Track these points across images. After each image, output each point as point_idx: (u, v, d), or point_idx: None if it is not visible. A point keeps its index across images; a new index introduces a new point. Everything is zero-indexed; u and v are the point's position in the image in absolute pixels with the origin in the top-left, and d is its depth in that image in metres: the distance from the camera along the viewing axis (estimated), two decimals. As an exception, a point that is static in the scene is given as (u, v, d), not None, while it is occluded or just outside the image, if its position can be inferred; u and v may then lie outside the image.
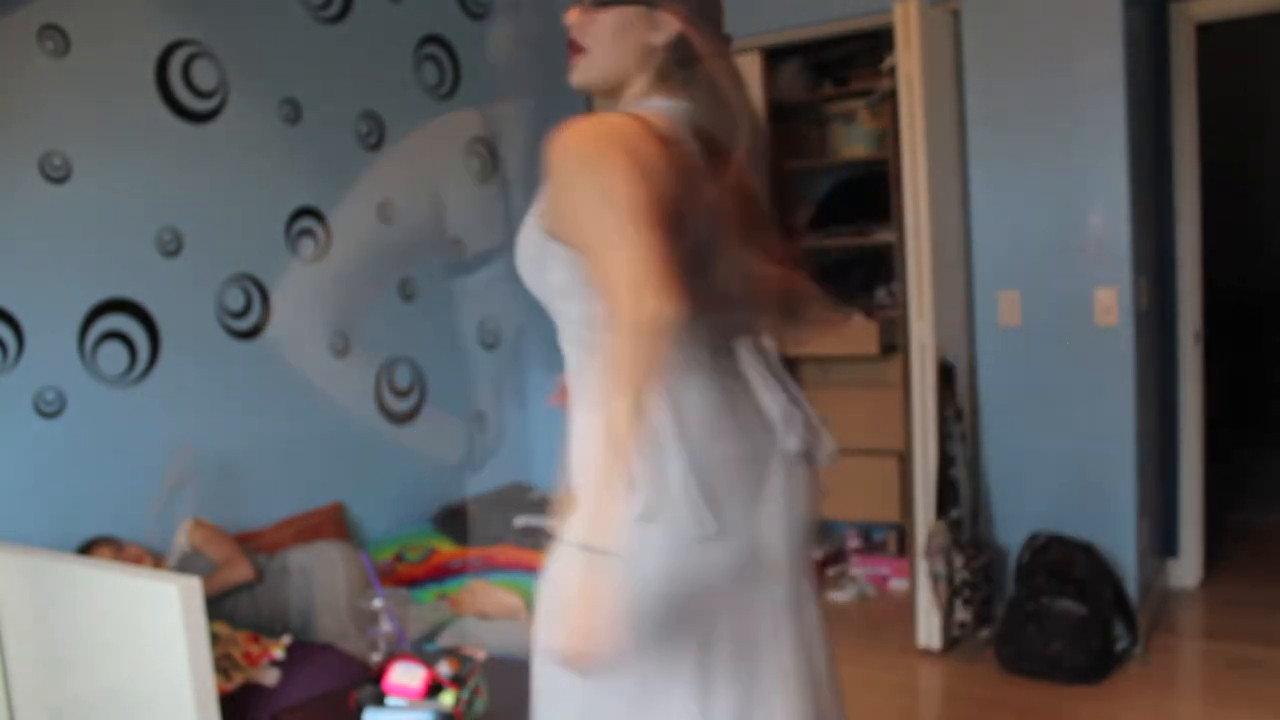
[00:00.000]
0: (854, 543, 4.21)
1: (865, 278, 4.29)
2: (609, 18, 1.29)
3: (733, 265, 1.25)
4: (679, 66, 1.30)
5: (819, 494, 1.38)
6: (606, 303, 1.10)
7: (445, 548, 3.40)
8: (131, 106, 2.94)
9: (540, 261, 1.25)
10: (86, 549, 2.68)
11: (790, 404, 1.33)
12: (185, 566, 2.70)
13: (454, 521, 3.55)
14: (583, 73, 1.32)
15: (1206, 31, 3.75)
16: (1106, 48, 3.18)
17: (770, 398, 1.31)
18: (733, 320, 1.32)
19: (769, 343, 1.38)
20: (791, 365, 4.14)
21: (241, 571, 2.76)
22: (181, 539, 2.81)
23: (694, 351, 1.26)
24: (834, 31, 3.73)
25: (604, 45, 1.30)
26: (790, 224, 1.40)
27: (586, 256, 1.15)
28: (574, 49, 1.31)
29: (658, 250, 1.08)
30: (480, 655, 2.57)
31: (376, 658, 2.56)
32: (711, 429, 1.24)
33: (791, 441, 1.30)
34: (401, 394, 3.77)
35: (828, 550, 4.25)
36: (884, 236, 4.05)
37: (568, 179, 1.17)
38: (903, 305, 3.43)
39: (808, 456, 1.34)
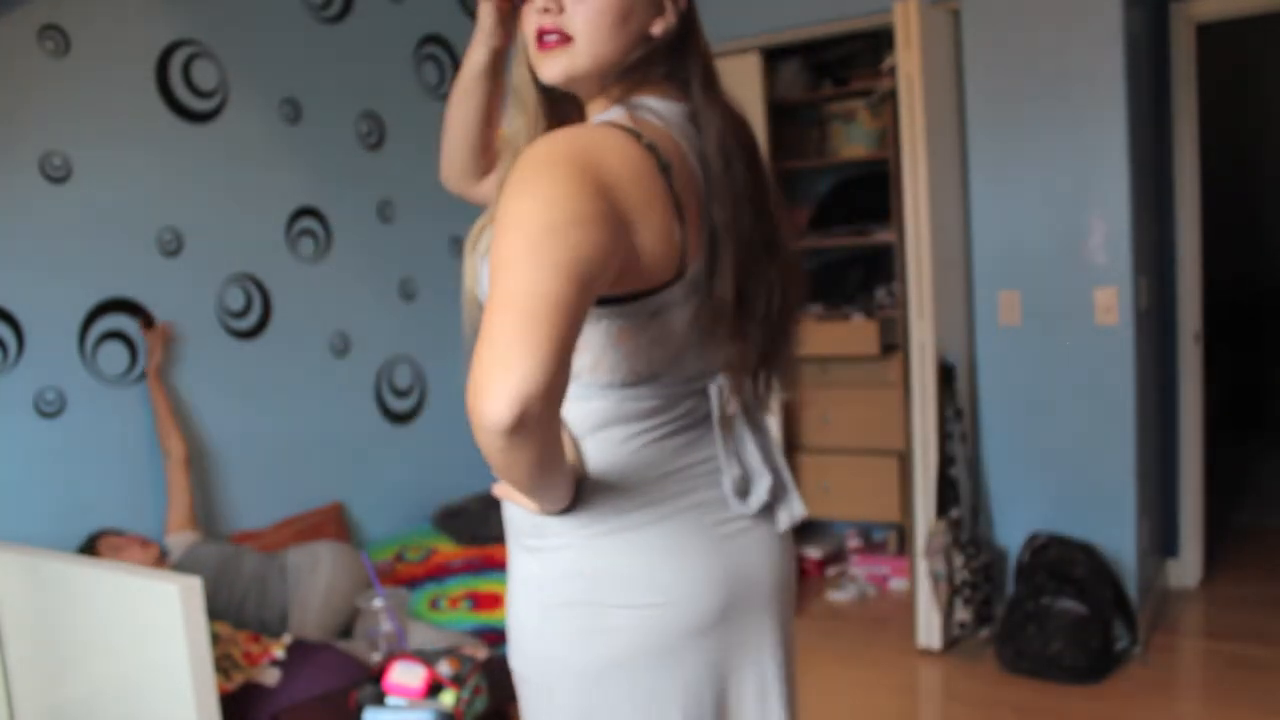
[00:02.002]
0: (854, 542, 4.21)
1: (865, 278, 4.29)
2: (611, 1, 1.08)
3: (747, 288, 1.12)
4: (671, 62, 1.14)
5: (788, 557, 1.25)
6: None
7: (445, 548, 3.40)
8: (131, 106, 2.94)
9: None
10: (90, 543, 2.69)
11: (760, 461, 1.18)
12: (186, 565, 2.71)
13: (454, 521, 3.55)
14: (567, 64, 1.10)
15: (1206, 31, 3.75)
16: (1106, 48, 3.18)
17: (727, 451, 1.15)
18: (737, 354, 1.16)
19: (759, 387, 1.21)
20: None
21: (176, 449, 2.86)
22: (175, 539, 2.81)
23: (668, 393, 1.13)
24: (834, 31, 3.73)
25: (601, 34, 1.09)
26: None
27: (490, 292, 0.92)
28: (552, 40, 1.10)
29: (550, 330, 0.87)
30: (480, 655, 2.57)
31: (376, 658, 2.56)
32: (650, 486, 1.12)
33: (744, 505, 1.16)
34: (401, 394, 3.77)
35: (828, 550, 4.25)
36: (884, 236, 4.05)
37: (507, 193, 0.96)
38: (903, 305, 3.43)
39: (769, 516, 1.21)
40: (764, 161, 1.21)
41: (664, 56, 1.14)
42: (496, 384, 0.86)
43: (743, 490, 1.16)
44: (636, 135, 1.04)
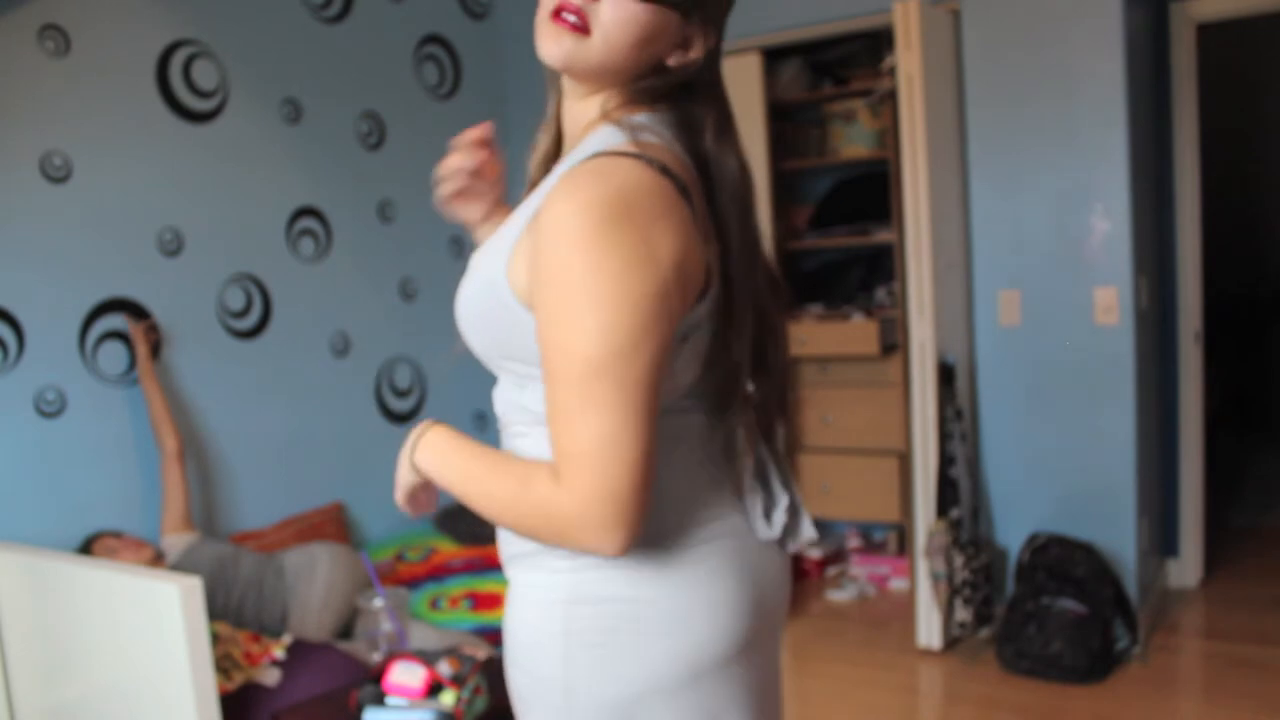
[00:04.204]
0: (854, 542, 4.21)
1: (865, 278, 4.29)
2: (643, 15, 1.01)
3: (750, 326, 1.08)
4: (680, 95, 1.09)
5: (787, 580, 1.22)
6: (561, 474, 0.95)
7: (445, 548, 3.40)
8: (131, 106, 2.94)
9: (500, 326, 1.05)
10: (86, 545, 2.69)
11: (778, 487, 1.16)
12: (182, 566, 2.71)
13: (454, 521, 3.55)
14: (573, 54, 1.03)
15: (1206, 31, 3.75)
16: (1106, 48, 3.18)
17: (754, 474, 1.14)
18: (740, 385, 1.12)
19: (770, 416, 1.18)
20: (792, 365, 4.15)
21: (169, 444, 2.86)
22: (171, 541, 2.81)
23: (690, 417, 1.10)
24: (834, 31, 3.73)
25: (621, 44, 1.03)
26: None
27: (549, 385, 0.96)
28: (570, 20, 1.02)
29: (642, 440, 0.94)
30: (481, 655, 2.57)
31: (376, 658, 2.56)
32: (681, 510, 1.09)
33: (769, 529, 1.14)
34: (401, 394, 3.77)
35: (828, 550, 4.25)
36: (884, 236, 4.05)
37: (560, 272, 0.94)
38: (903, 305, 3.43)
39: (781, 541, 1.18)
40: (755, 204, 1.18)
41: (673, 88, 1.08)
42: (612, 533, 0.95)
43: (768, 514, 1.14)
44: (648, 161, 0.99)
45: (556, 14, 1.03)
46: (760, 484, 1.15)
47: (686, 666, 1.07)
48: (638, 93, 1.08)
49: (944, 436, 3.32)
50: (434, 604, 3.04)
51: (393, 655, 2.32)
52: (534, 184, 1.18)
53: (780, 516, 1.14)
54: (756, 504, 1.13)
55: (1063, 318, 3.33)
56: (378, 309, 3.68)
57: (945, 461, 3.32)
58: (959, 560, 3.29)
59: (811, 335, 4.03)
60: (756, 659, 1.15)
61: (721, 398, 1.10)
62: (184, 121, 3.08)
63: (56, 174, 2.78)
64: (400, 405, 3.76)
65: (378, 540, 3.55)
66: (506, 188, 1.34)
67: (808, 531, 1.19)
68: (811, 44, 4.00)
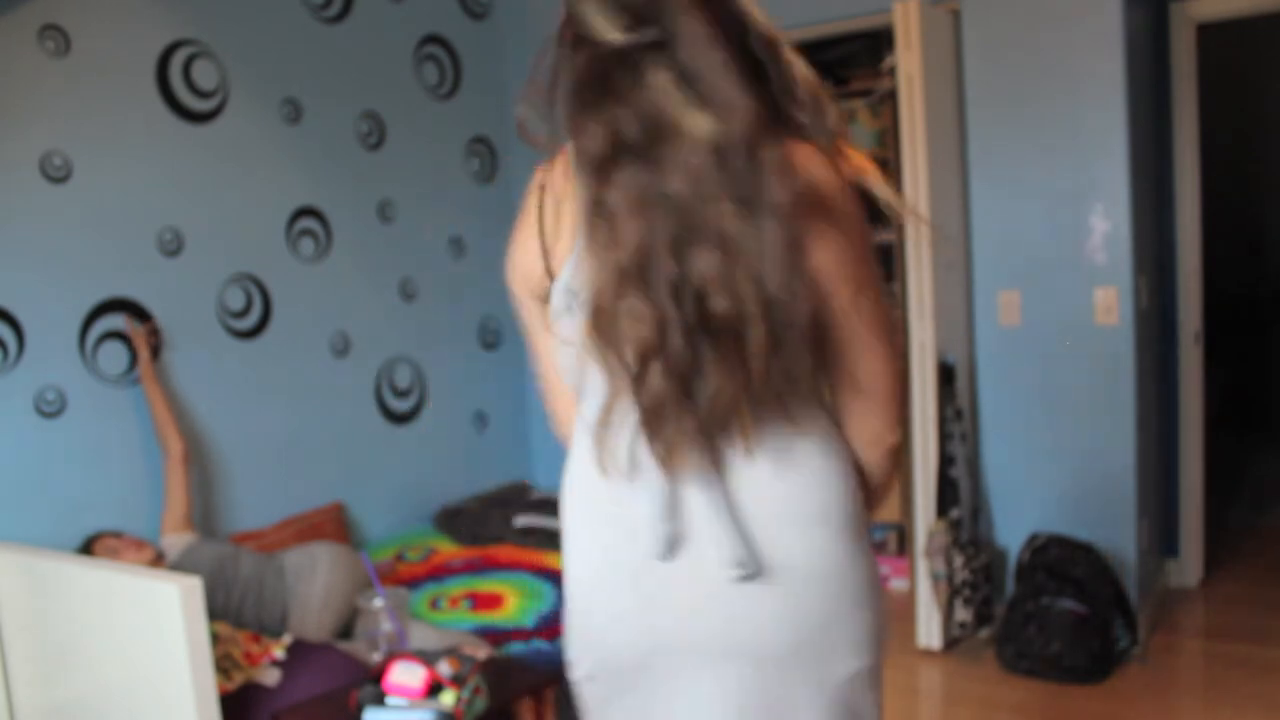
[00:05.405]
0: (854, 543, 4.20)
1: (865, 278, 4.29)
2: None
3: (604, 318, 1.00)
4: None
5: (765, 613, 1.08)
6: None
7: (445, 548, 3.40)
8: (131, 106, 2.94)
9: None
10: (87, 545, 2.69)
11: (663, 502, 1.06)
12: (182, 566, 2.71)
13: (454, 521, 3.55)
14: None
15: (1206, 31, 3.75)
16: (1106, 47, 3.18)
17: (647, 491, 1.06)
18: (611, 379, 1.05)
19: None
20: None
21: (174, 447, 2.86)
22: (171, 540, 2.81)
23: (582, 404, 1.15)
24: (834, 31, 3.73)
25: None
26: None
27: None
28: None
29: (544, 385, 1.27)
30: (480, 655, 2.57)
31: (376, 658, 2.56)
32: (577, 505, 1.18)
33: (638, 545, 1.08)
34: (401, 394, 3.77)
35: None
36: (884, 236, 4.05)
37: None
38: (903, 305, 3.43)
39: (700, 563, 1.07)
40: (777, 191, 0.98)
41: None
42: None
43: (636, 530, 1.08)
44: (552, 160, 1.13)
45: None
46: (644, 494, 1.06)
47: (576, 665, 1.20)
48: None
49: (944, 436, 3.32)
50: (434, 604, 3.04)
51: (393, 655, 2.31)
52: None
53: (647, 539, 1.06)
54: (636, 516, 1.08)
55: (1063, 318, 3.33)
56: (378, 309, 3.68)
57: (945, 461, 3.32)
58: (959, 560, 3.29)
59: (811, 335, 4.03)
60: (661, 686, 1.12)
61: (595, 391, 1.07)
62: (184, 121, 3.07)
63: (56, 174, 2.78)
64: (400, 405, 3.76)
65: (378, 540, 3.55)
66: None
67: (706, 555, 1.06)
68: (811, 44, 3.99)
